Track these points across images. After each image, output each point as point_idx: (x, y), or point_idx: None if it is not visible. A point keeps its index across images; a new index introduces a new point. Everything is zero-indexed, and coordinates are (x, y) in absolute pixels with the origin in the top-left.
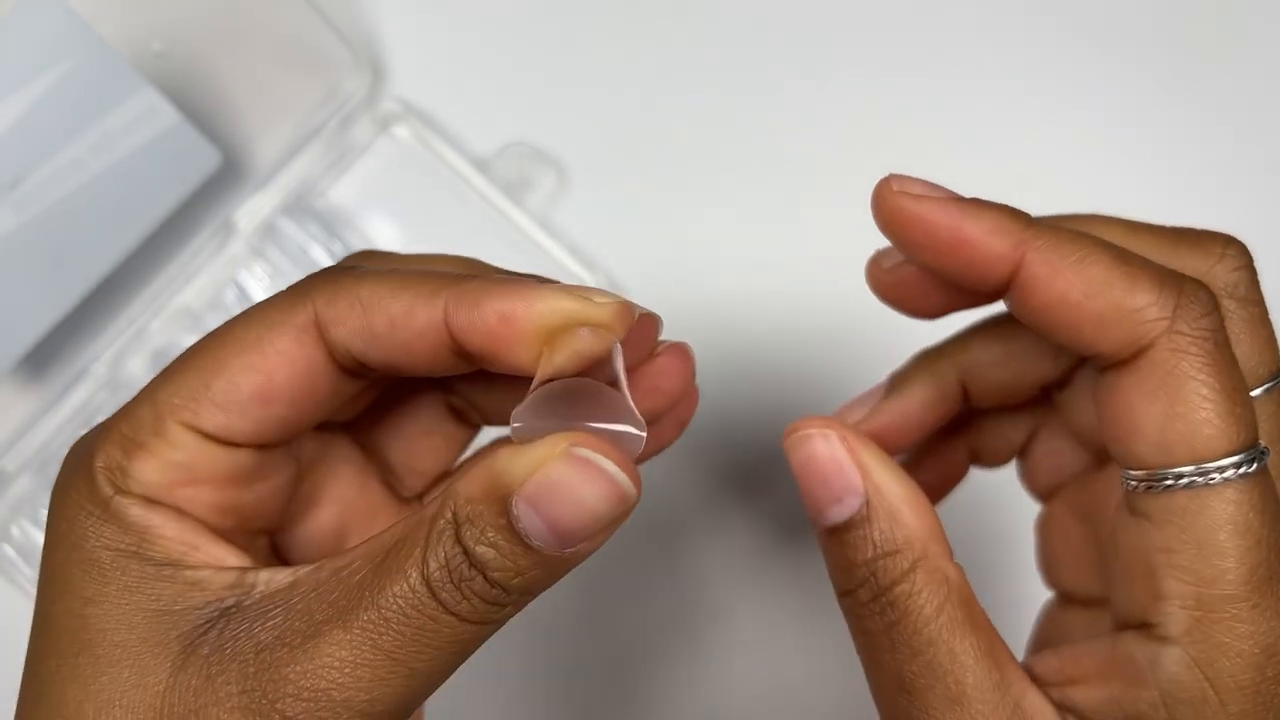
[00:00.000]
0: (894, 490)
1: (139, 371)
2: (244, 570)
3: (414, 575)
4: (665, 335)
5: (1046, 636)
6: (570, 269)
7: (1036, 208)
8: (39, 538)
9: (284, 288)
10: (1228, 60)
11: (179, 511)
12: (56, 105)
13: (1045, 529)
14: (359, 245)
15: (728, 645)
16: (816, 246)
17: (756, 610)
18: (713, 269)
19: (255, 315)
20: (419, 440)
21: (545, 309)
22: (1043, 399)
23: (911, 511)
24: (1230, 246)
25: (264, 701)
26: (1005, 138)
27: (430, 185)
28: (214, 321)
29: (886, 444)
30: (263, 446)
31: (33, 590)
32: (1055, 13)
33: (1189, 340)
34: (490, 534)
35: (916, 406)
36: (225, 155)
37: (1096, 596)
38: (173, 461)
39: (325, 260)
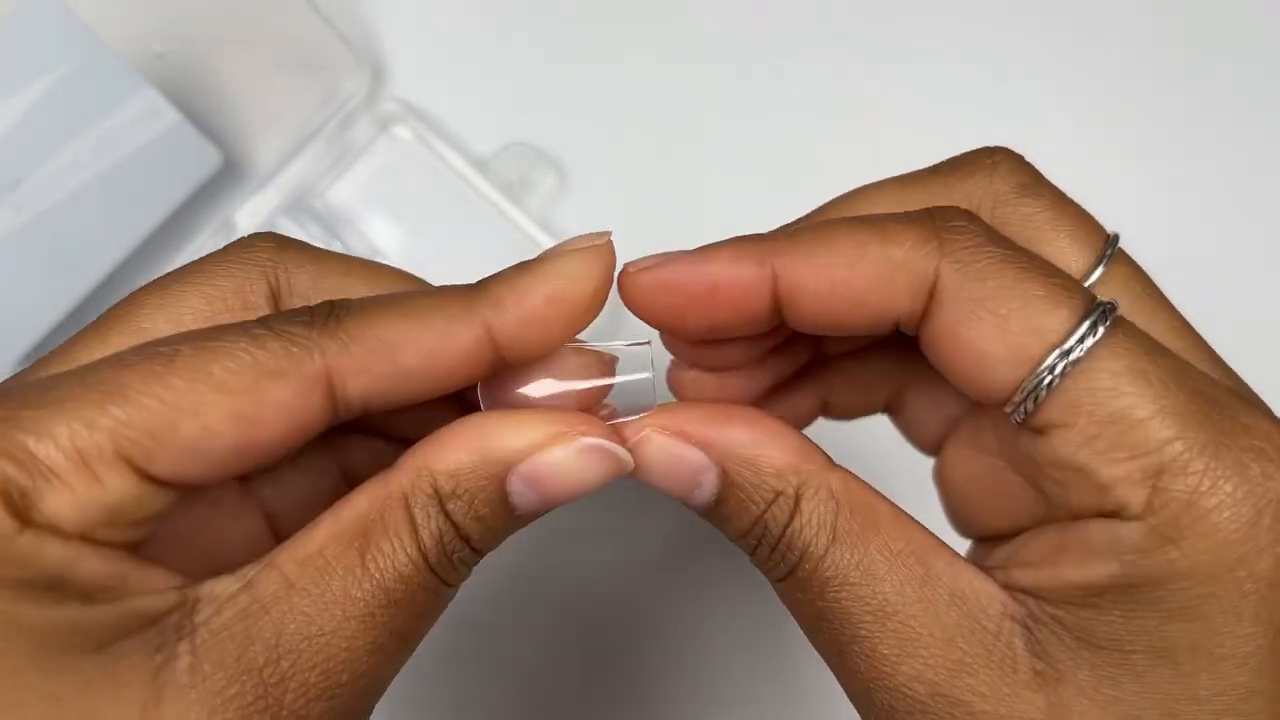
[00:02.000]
0: (741, 439)
1: None
2: (183, 589)
3: (411, 550)
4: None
5: None
6: None
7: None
8: None
9: (240, 321)
10: (1228, 55)
11: (96, 544)
12: (57, 106)
13: (947, 477)
14: (359, 245)
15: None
16: None
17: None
18: None
19: (240, 356)
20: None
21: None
22: (899, 349)
23: (769, 447)
24: (995, 155)
25: (263, 686)
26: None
27: (430, 185)
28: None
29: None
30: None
31: None
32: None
33: (967, 255)
34: (482, 509)
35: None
36: (225, 155)
37: (1024, 524)
38: (99, 502)
39: None
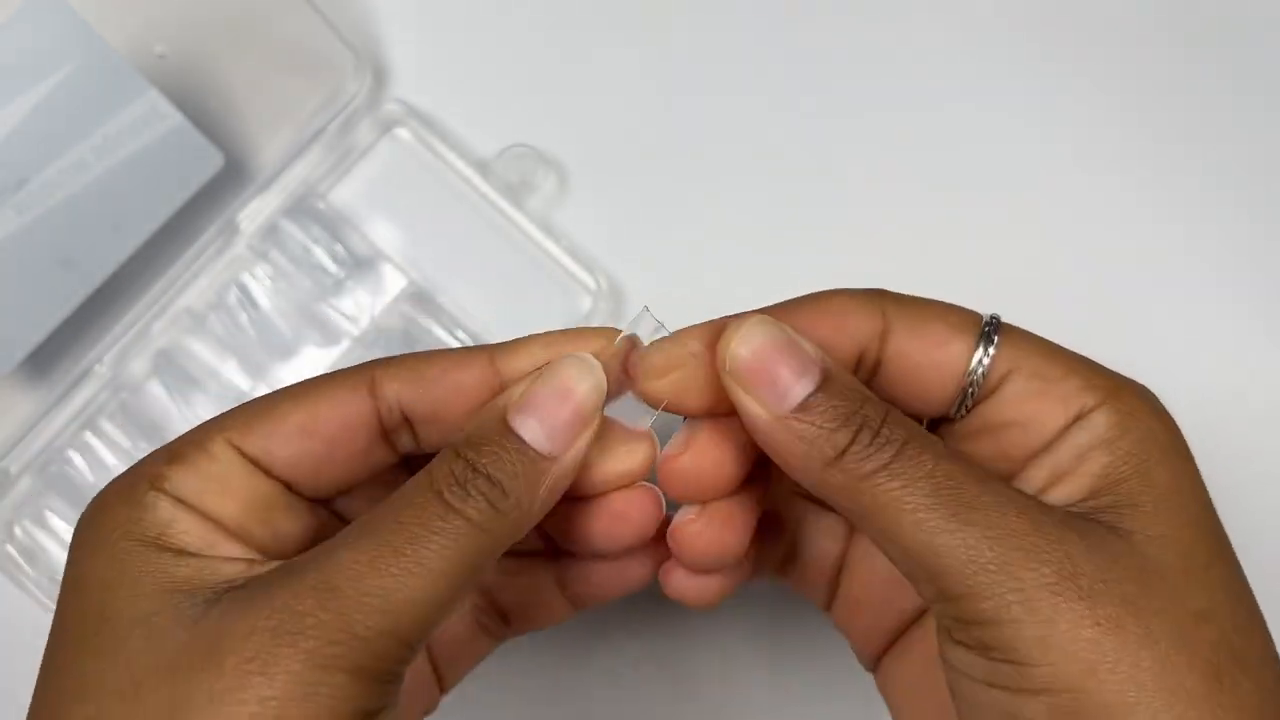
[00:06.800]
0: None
1: (141, 373)
2: (255, 561)
3: (423, 482)
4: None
5: None
6: (571, 270)
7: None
8: (41, 538)
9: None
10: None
11: (204, 515)
12: (60, 107)
13: (888, 691)
14: (361, 247)
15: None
16: (816, 248)
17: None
18: (712, 271)
19: (317, 377)
20: None
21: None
22: (844, 532)
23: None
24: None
25: (288, 609)
26: (1009, 141)
27: (431, 187)
28: (216, 322)
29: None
30: (293, 490)
31: (35, 589)
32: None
33: (903, 296)
34: (490, 446)
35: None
36: (228, 157)
37: None
38: (209, 472)
39: (327, 262)
